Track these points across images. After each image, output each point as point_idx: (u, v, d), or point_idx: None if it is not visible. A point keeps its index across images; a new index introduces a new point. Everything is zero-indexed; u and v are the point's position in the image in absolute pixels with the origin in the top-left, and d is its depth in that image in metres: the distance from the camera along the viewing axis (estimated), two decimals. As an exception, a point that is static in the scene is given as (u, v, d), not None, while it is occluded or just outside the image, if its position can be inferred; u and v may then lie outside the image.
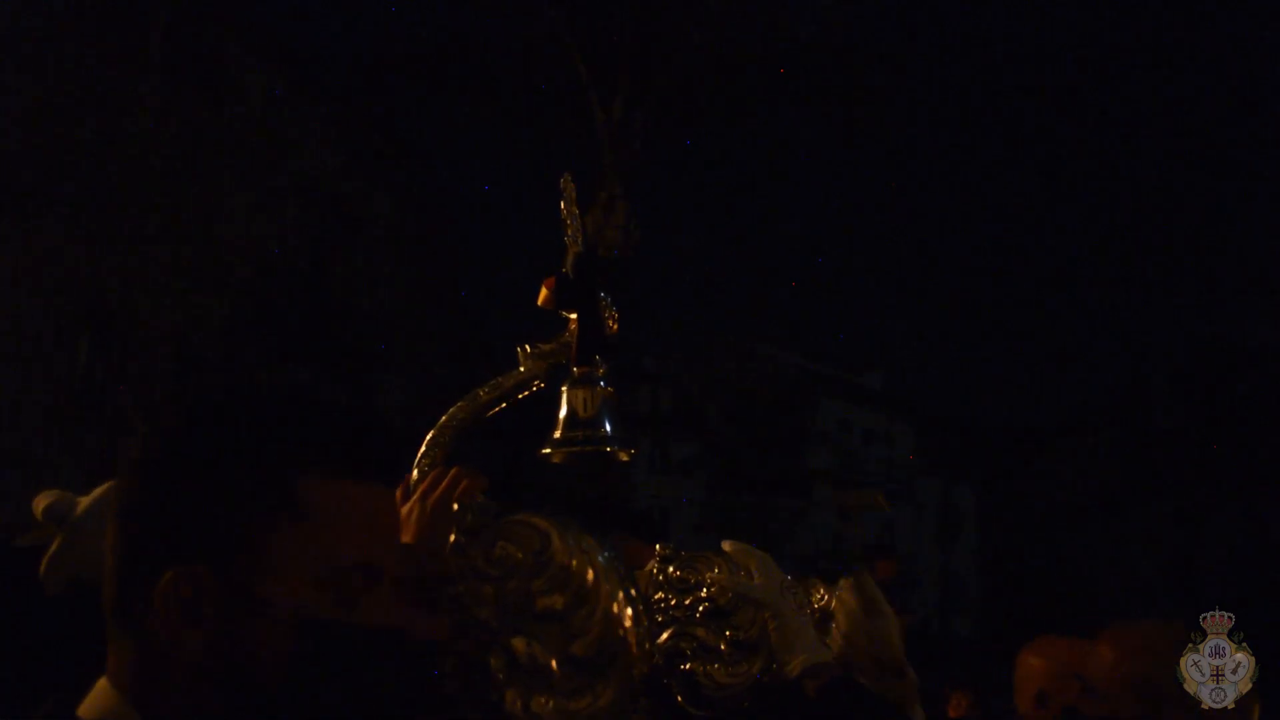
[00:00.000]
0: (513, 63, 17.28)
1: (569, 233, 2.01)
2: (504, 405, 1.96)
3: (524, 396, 1.96)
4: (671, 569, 1.65)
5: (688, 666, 1.58)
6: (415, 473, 1.86)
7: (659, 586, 1.63)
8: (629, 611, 1.26)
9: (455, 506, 1.32)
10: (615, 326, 2.11)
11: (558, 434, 1.90)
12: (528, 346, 1.96)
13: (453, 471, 1.68)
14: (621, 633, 1.25)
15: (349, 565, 1.09)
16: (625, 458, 2.50)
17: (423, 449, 1.92)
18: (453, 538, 1.25)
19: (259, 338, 17.65)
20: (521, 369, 1.94)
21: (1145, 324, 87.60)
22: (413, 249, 23.98)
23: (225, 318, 17.92)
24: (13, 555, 2.51)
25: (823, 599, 2.11)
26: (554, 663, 1.23)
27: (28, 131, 16.07)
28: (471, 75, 17.50)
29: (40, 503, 2.41)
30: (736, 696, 1.58)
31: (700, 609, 1.60)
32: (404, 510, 1.56)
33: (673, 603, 1.61)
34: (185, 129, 18.17)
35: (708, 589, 1.61)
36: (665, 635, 1.60)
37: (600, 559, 1.26)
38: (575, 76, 16.19)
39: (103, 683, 1.10)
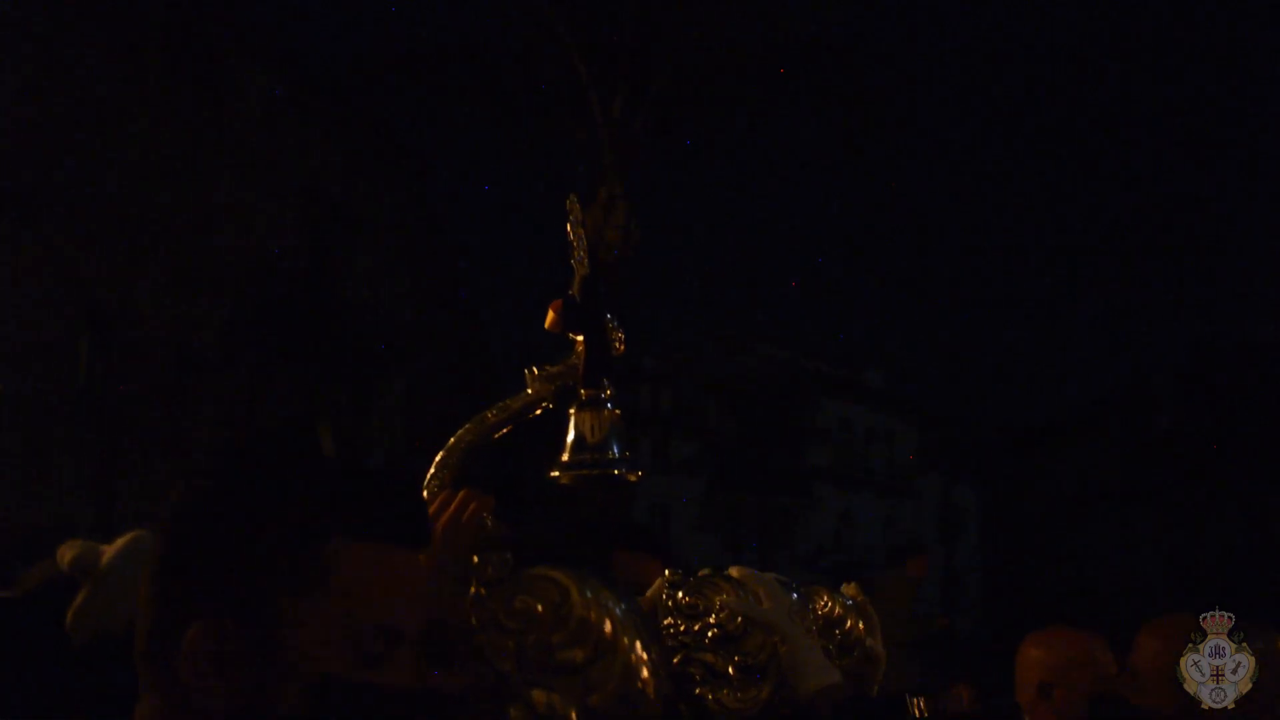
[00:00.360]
0: (512, 62, 17.28)
1: (575, 254, 2.00)
2: (512, 427, 1.96)
3: (532, 418, 1.96)
4: (680, 594, 1.66)
5: (697, 691, 1.58)
6: (424, 494, 1.86)
7: (667, 612, 1.64)
8: (647, 661, 1.26)
9: (471, 544, 1.31)
10: (622, 348, 2.11)
11: (565, 457, 1.90)
12: (535, 369, 1.96)
13: (461, 494, 1.68)
14: (640, 685, 1.26)
15: (371, 628, 1.11)
16: (633, 479, 2.51)
17: (431, 471, 1.92)
18: (472, 589, 1.26)
19: (258, 339, 17.66)
20: (529, 391, 1.94)
21: (1148, 322, 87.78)
22: (413, 250, 24.00)
23: (225, 319, 17.93)
24: (38, 605, 2.53)
25: (827, 605, 2.11)
26: (573, 714, 1.23)
27: (26, 132, 16.07)
28: (471, 75, 17.51)
29: (66, 554, 2.43)
30: (745, 718, 1.58)
31: (709, 634, 1.61)
32: None
33: (681, 628, 1.62)
34: (184, 129, 18.18)
35: (716, 614, 1.62)
36: (675, 660, 1.60)
37: (619, 611, 1.27)
38: (575, 76, 16.19)
39: None
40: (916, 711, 7.59)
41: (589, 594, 1.26)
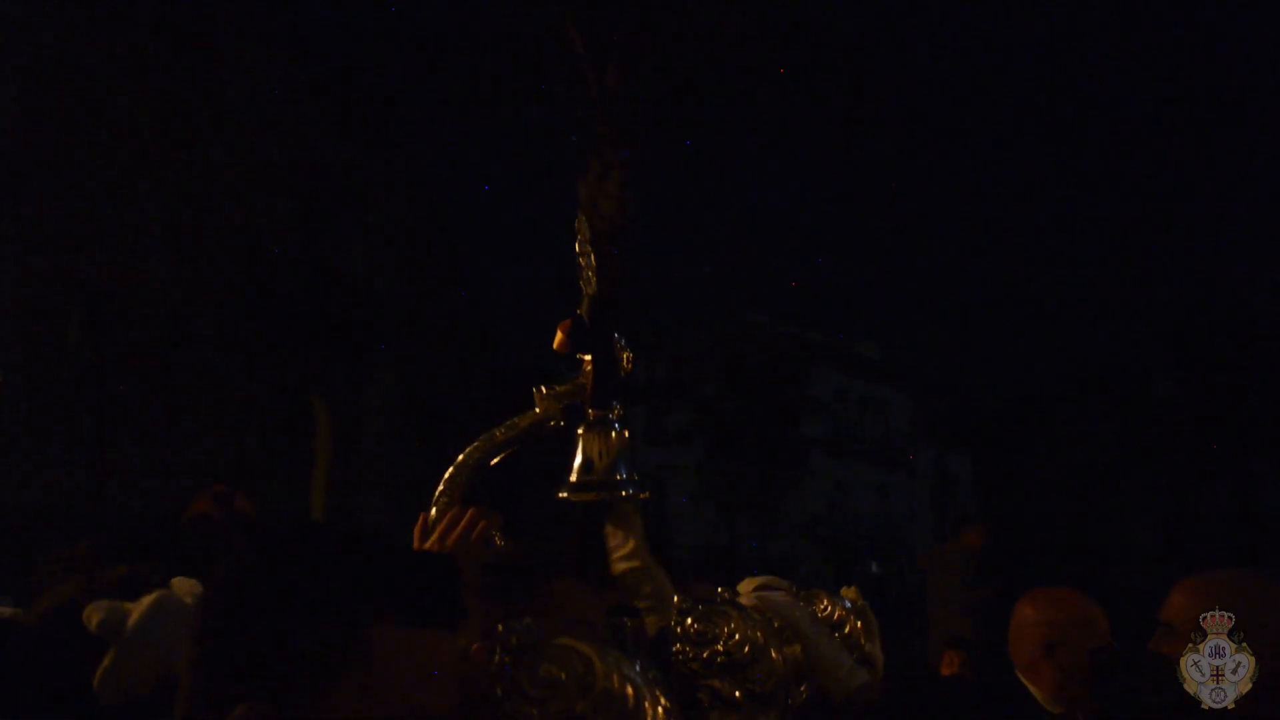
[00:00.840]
0: (506, 32, 17.16)
1: (584, 275, 1.98)
2: (519, 445, 1.95)
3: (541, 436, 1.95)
4: (690, 621, 1.66)
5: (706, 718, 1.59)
6: (434, 510, 1.86)
7: (677, 639, 1.64)
8: None
9: (480, 560, 1.33)
10: (630, 367, 2.09)
11: (573, 478, 1.89)
12: (543, 388, 1.94)
13: (470, 512, 1.68)
14: None
15: (406, 711, 1.13)
16: (644, 496, 2.52)
17: (440, 487, 1.93)
18: (497, 657, 1.28)
19: (252, 316, 17.60)
20: (537, 410, 1.93)
21: (1144, 291, 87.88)
22: (409, 228, 23.90)
23: (219, 296, 17.85)
24: (54, 641, 2.53)
25: (827, 609, 2.11)
26: None
27: (19, 109, 15.96)
28: (463, 46, 17.38)
29: (93, 617, 2.42)
30: None
31: (718, 660, 1.61)
32: (425, 547, 1.59)
33: (690, 655, 1.62)
34: (178, 105, 18.05)
35: (725, 642, 1.62)
36: (684, 686, 1.61)
37: (638, 678, 1.28)
38: (569, 44, 16.03)
39: None
40: (951, 668, 7.62)
41: (610, 662, 1.26)
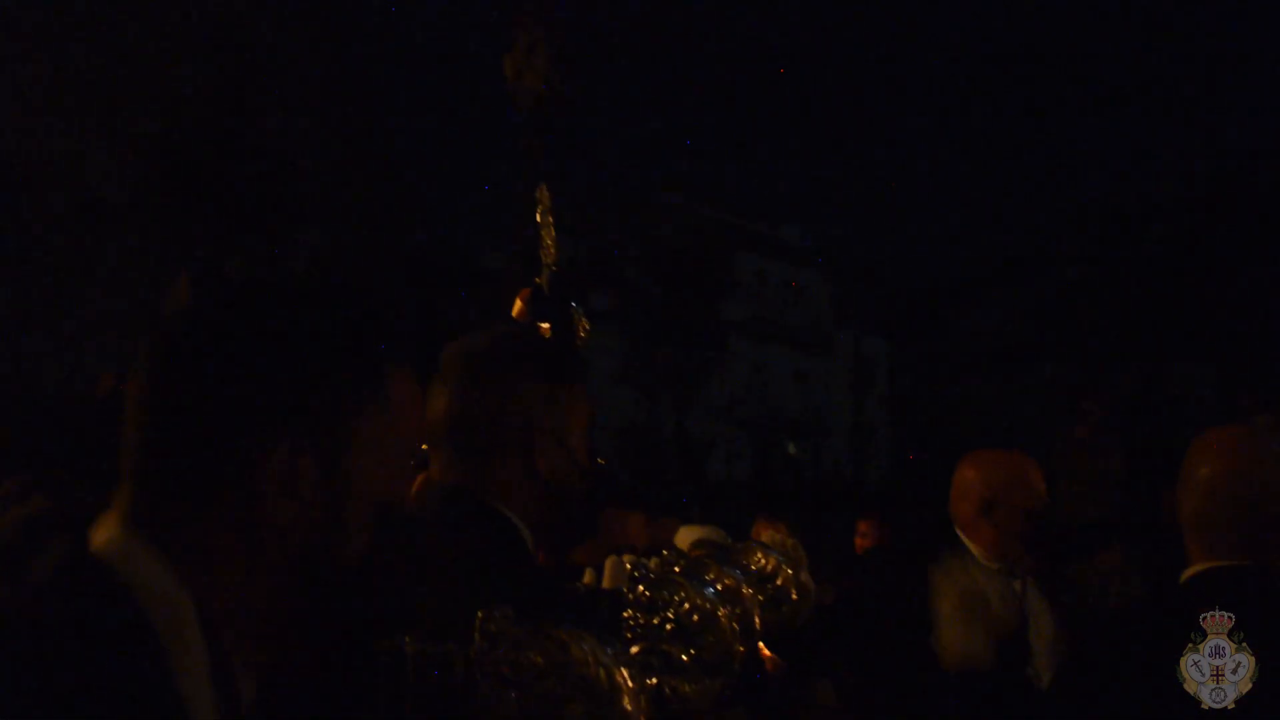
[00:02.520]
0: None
1: (544, 244, 2.01)
2: None
3: None
4: (641, 589, 1.70)
5: (654, 680, 1.64)
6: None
7: (628, 605, 1.68)
8: (635, 701, 1.34)
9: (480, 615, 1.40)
10: (585, 335, 2.12)
11: None
12: None
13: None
14: None
15: (413, 448, 1.25)
16: (601, 462, 2.60)
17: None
18: (475, 643, 1.36)
19: (167, 186, 17.17)
20: None
21: (1053, 178, 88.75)
22: (329, 98, 23.30)
23: (132, 165, 17.36)
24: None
25: (760, 561, 2.16)
26: None
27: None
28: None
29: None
30: (699, 709, 1.63)
31: (667, 627, 1.66)
32: None
33: (641, 621, 1.66)
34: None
35: (675, 609, 1.67)
36: (635, 650, 1.66)
37: (609, 661, 1.35)
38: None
39: (118, 525, 1.11)
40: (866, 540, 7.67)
41: (586, 647, 1.33)
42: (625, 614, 1.64)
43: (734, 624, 1.67)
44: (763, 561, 2.12)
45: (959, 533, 3.62)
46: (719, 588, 1.71)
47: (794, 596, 2.10)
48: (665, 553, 1.75)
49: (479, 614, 1.31)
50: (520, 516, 1.84)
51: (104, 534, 1.10)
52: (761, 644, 2.66)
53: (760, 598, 1.87)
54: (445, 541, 1.75)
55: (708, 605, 1.65)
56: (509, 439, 1.85)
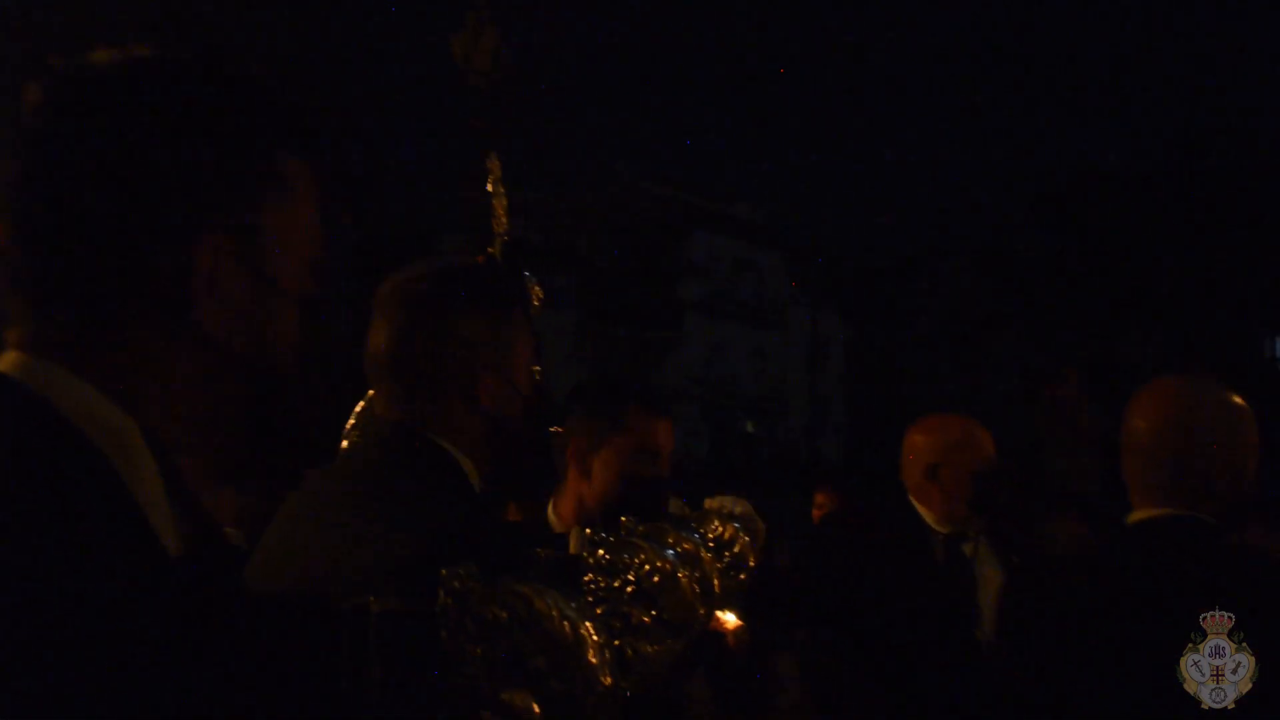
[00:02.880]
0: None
1: (496, 214, 2.00)
2: None
3: None
4: (601, 552, 1.71)
5: (617, 643, 1.65)
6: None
7: (588, 569, 1.69)
8: (600, 654, 1.36)
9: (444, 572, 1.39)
10: (539, 305, 2.12)
11: None
12: None
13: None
14: (598, 676, 1.35)
15: (321, 249, 1.14)
16: (555, 430, 2.60)
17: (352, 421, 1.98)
18: (440, 599, 1.35)
19: None
20: None
21: (1006, 152, 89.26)
22: (284, 85, 22.93)
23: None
24: None
25: (718, 529, 2.18)
26: (536, 708, 1.32)
27: None
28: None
29: None
30: (659, 670, 1.64)
31: (628, 590, 1.67)
32: None
33: (602, 584, 1.67)
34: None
35: (636, 571, 1.68)
36: (598, 611, 1.66)
37: (572, 612, 1.36)
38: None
39: (26, 358, 1.01)
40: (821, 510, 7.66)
41: (550, 601, 1.35)
42: (586, 578, 1.66)
43: (694, 585, 1.68)
44: (720, 529, 2.15)
45: (911, 499, 3.67)
46: (679, 550, 1.73)
47: (751, 563, 2.13)
48: (624, 520, 1.75)
49: (443, 571, 1.33)
50: (466, 452, 1.80)
51: (9, 366, 1.00)
52: (726, 616, 2.69)
53: (719, 564, 1.90)
54: (391, 482, 1.72)
55: (668, 566, 1.66)
56: (450, 374, 1.79)
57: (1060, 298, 30.05)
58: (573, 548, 1.95)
